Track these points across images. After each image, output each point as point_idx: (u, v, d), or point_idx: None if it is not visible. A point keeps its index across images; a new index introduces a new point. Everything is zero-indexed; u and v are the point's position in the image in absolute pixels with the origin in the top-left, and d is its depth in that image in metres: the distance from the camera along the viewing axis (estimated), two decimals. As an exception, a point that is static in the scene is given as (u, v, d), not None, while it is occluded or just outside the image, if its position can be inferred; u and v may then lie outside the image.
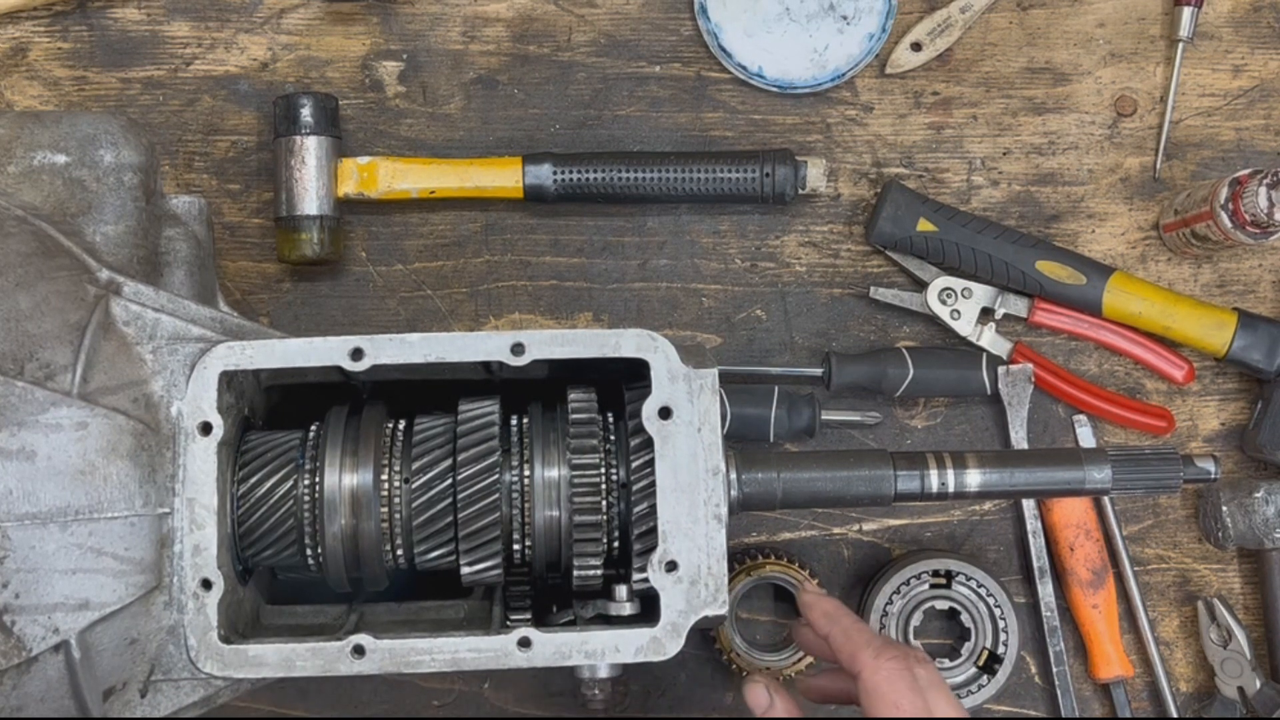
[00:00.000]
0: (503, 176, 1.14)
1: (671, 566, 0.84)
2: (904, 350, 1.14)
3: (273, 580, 0.96)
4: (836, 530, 1.17)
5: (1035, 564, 1.15)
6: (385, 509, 0.87)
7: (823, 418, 1.13)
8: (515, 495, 0.88)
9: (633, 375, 0.88)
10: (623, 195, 1.14)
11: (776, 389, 1.12)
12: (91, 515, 0.79)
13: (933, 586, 1.12)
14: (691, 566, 0.84)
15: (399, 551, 0.88)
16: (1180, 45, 1.18)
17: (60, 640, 0.78)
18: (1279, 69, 1.20)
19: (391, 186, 1.13)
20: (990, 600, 1.12)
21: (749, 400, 1.11)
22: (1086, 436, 1.17)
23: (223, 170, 1.17)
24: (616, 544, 0.89)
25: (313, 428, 0.90)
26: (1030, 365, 1.15)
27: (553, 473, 0.88)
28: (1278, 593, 1.14)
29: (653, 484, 0.85)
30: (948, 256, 1.14)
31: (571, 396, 0.90)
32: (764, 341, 1.18)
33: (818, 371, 1.15)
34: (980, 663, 1.12)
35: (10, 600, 0.77)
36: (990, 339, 1.16)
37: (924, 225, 1.14)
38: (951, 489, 0.90)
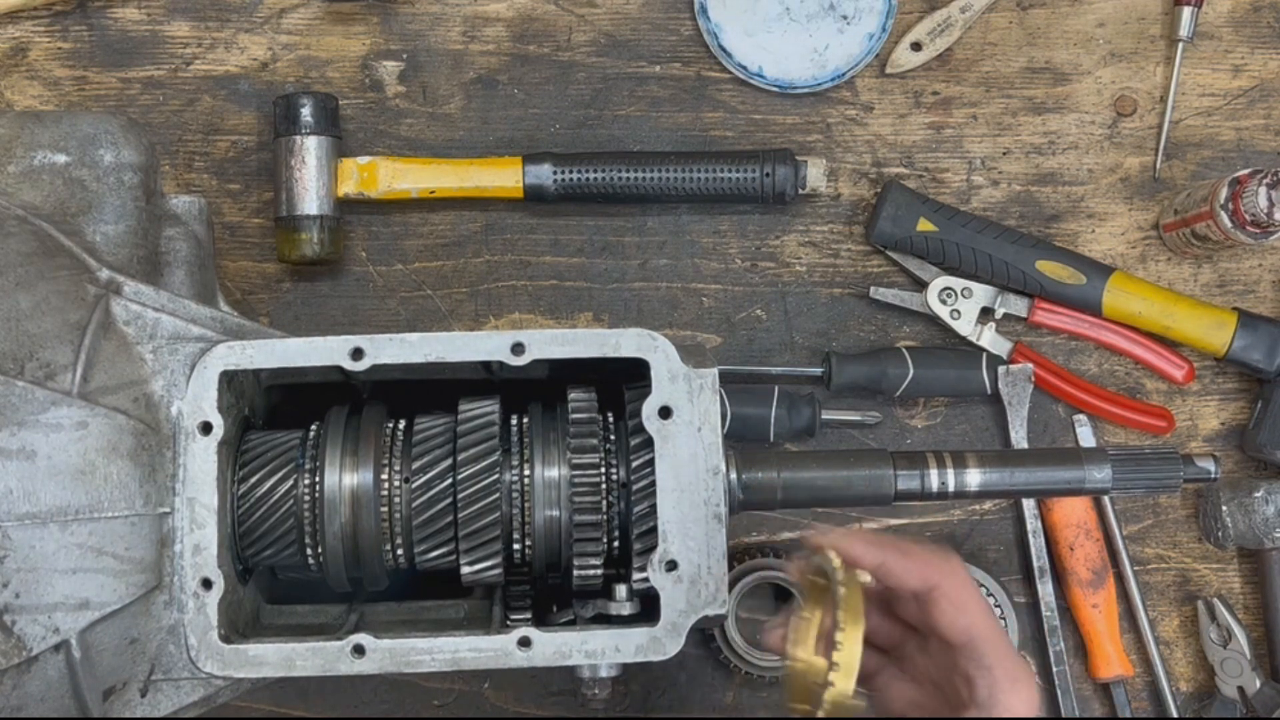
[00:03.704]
0: (503, 176, 1.14)
1: (671, 566, 0.84)
2: (904, 350, 1.14)
3: (273, 580, 0.96)
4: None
5: (1035, 564, 1.15)
6: (385, 509, 0.87)
7: (823, 418, 1.13)
8: (515, 495, 0.88)
9: (633, 375, 0.88)
10: (623, 195, 1.14)
11: (776, 389, 1.12)
12: (91, 515, 0.79)
13: (933, 586, 1.12)
14: (691, 566, 0.84)
15: (399, 551, 0.88)
16: (1180, 45, 1.18)
17: (60, 640, 0.78)
18: (1279, 69, 1.20)
19: (391, 186, 1.13)
20: (990, 600, 1.12)
21: (749, 400, 1.11)
22: (1086, 436, 1.17)
23: (223, 170, 1.17)
24: (616, 544, 0.89)
25: (313, 428, 0.90)
26: (1030, 365, 1.15)
27: (553, 472, 0.88)
28: (1278, 593, 1.14)
29: (653, 484, 0.85)
30: (948, 256, 1.14)
31: (571, 396, 0.90)
32: (764, 341, 1.18)
33: (818, 371, 1.15)
34: (980, 662, 1.12)
35: (10, 600, 0.77)
36: (990, 339, 1.16)
37: (924, 225, 1.14)
38: (951, 489, 0.90)
